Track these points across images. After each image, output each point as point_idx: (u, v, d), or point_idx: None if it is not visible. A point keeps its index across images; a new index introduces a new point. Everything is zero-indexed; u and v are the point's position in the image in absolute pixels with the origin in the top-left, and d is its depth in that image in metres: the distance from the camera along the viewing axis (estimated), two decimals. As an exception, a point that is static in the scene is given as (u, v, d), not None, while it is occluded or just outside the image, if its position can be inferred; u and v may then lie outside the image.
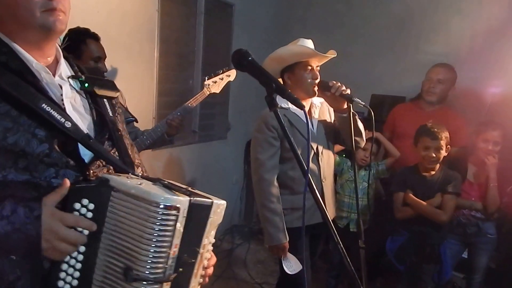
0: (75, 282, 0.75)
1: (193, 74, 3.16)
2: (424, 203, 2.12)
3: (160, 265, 0.73)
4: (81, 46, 1.80)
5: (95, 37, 1.86)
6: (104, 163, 0.84)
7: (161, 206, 0.71)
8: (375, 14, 3.29)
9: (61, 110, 0.79)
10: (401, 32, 3.15)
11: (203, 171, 3.35)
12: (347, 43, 3.24)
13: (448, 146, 2.13)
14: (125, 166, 0.87)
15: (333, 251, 2.42)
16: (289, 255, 1.81)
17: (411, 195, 2.16)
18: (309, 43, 1.81)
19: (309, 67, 1.80)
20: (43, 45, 0.82)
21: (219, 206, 0.82)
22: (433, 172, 2.16)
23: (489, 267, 2.34)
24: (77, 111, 0.85)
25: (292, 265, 1.79)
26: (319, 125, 1.91)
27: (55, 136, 0.76)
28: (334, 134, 1.97)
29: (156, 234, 0.71)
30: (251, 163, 1.89)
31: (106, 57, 1.91)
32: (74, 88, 0.88)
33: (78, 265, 0.75)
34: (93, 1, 2.27)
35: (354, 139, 1.70)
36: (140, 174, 0.84)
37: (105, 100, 0.93)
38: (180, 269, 0.76)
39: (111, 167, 0.85)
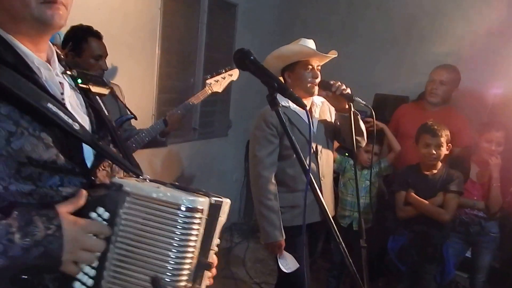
0: None
1: (194, 72, 3.16)
2: (426, 202, 2.11)
3: (186, 271, 0.69)
4: (82, 43, 1.80)
5: (97, 35, 1.85)
6: (103, 166, 0.78)
7: (184, 209, 0.67)
8: (378, 14, 3.29)
9: (67, 110, 0.72)
10: (404, 32, 3.14)
11: (203, 168, 3.35)
12: (349, 43, 3.24)
13: (449, 144, 2.13)
14: (135, 168, 0.80)
15: (334, 250, 2.42)
16: (286, 253, 1.80)
17: (413, 194, 2.15)
18: (311, 43, 1.83)
19: (310, 66, 1.82)
20: (37, 39, 0.74)
21: (226, 204, 0.80)
22: (435, 171, 2.16)
23: (492, 266, 2.33)
24: (74, 110, 0.78)
25: (288, 264, 1.79)
26: (319, 124, 1.93)
27: (62, 140, 0.70)
28: (334, 133, 1.98)
29: (183, 238, 0.68)
30: (249, 160, 1.89)
31: (107, 55, 1.90)
32: (70, 85, 0.81)
33: (90, 282, 0.68)
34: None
35: (356, 138, 1.70)
36: (148, 176, 0.78)
37: (97, 97, 0.86)
38: (201, 273, 0.74)
39: (109, 170, 0.80)
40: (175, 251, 0.67)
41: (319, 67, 1.86)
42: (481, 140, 2.22)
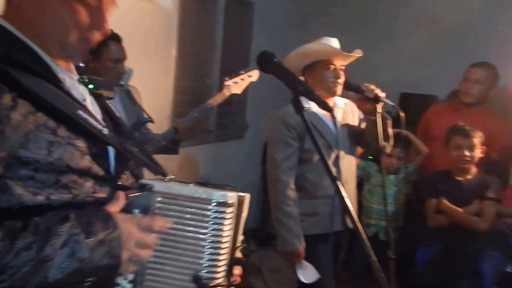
0: None
1: (210, 72, 3.14)
2: (460, 210, 1.98)
3: (222, 268, 0.72)
4: (101, 46, 1.74)
5: (117, 38, 1.82)
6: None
7: (215, 204, 0.70)
8: (404, 10, 3.20)
9: (94, 116, 0.73)
10: (432, 30, 3.04)
11: (219, 171, 3.31)
12: (371, 40, 3.16)
13: (484, 147, 2.01)
14: (162, 169, 0.82)
15: (358, 261, 2.29)
16: (305, 263, 1.75)
17: (445, 201, 2.02)
18: (334, 42, 1.78)
19: (332, 66, 1.76)
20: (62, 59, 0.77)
21: (247, 199, 0.81)
22: (468, 176, 2.04)
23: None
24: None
25: (307, 274, 1.73)
26: (341, 128, 1.87)
27: (93, 146, 0.71)
28: (356, 137, 1.91)
29: (217, 234, 0.70)
30: (267, 163, 1.85)
31: (126, 58, 1.87)
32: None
33: (129, 286, 0.70)
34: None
35: (382, 143, 1.65)
36: (173, 177, 0.80)
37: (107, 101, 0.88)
38: (232, 269, 0.75)
39: (128, 173, 0.80)
40: (210, 246, 0.70)
41: (343, 67, 1.80)
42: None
